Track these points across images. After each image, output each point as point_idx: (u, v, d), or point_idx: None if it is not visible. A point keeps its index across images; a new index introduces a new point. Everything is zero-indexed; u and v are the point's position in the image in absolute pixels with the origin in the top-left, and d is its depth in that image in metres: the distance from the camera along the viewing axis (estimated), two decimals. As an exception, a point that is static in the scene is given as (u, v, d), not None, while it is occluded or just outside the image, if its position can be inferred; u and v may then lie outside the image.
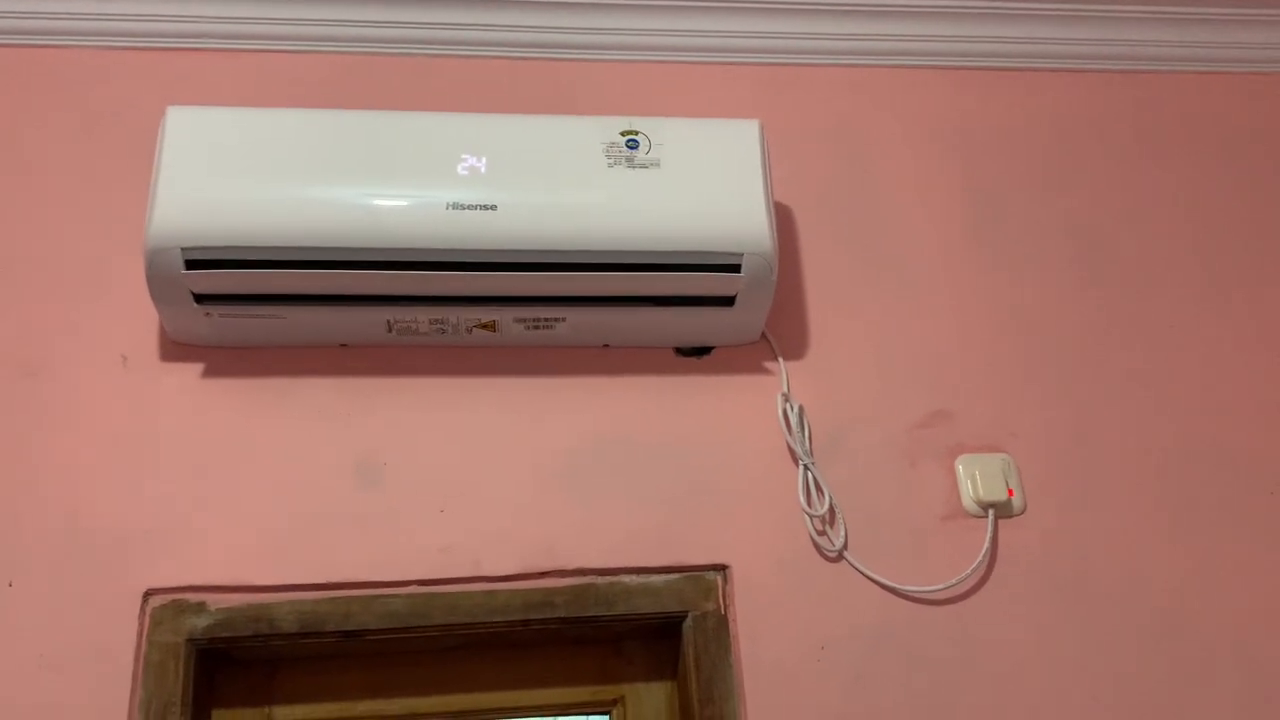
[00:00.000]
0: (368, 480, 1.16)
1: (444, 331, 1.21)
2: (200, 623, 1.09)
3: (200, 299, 1.12)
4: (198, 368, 1.19)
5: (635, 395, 1.24)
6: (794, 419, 1.22)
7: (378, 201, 1.12)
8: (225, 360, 1.20)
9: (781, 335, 1.29)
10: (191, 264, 1.09)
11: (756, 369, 1.27)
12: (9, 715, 1.04)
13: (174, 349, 1.20)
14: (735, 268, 1.16)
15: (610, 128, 1.19)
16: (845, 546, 1.19)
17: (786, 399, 1.24)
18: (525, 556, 1.14)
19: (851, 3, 1.43)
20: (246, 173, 1.11)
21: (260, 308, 1.15)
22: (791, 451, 1.22)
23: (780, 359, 1.27)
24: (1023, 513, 1.23)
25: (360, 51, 1.37)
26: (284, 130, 1.14)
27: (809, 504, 1.19)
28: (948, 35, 1.46)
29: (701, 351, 1.27)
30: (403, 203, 1.12)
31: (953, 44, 1.47)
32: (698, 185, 1.17)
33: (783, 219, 1.32)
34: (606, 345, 1.26)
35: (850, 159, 1.40)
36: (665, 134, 1.19)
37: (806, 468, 1.20)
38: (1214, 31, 1.51)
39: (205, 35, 1.35)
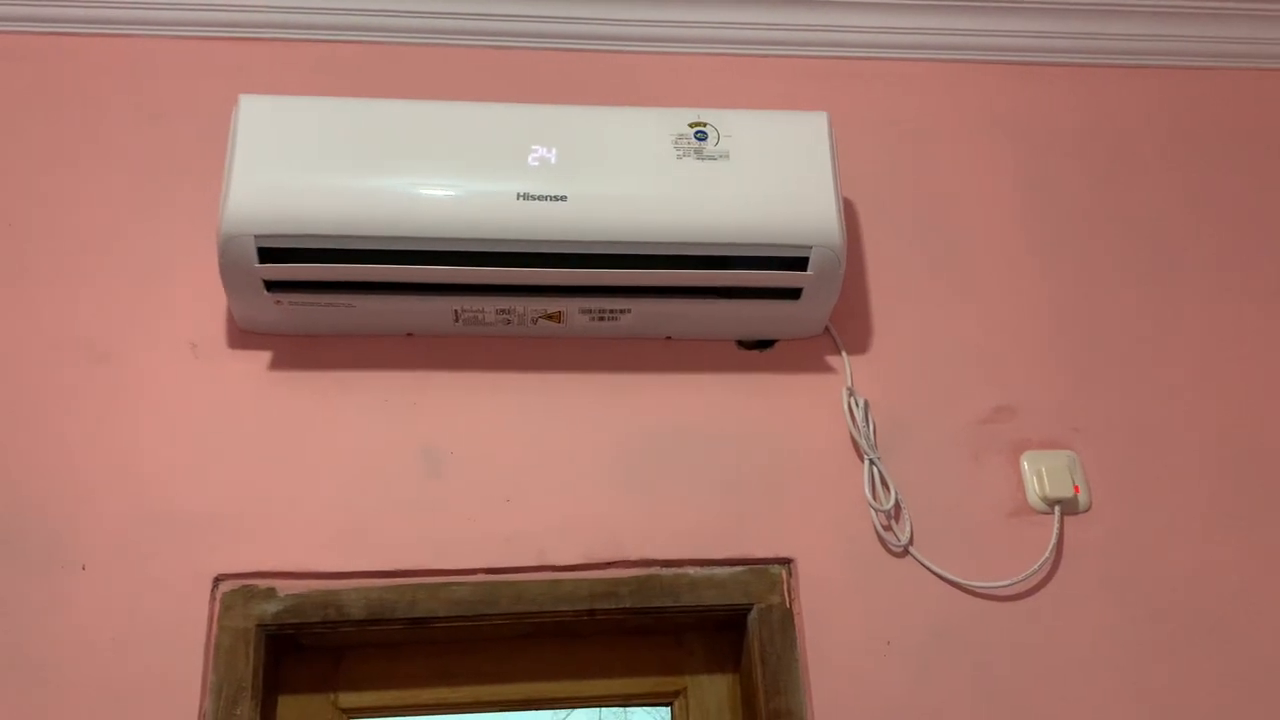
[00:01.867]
0: (434, 469, 1.18)
1: (509, 322, 1.22)
2: (270, 608, 1.11)
3: (271, 286, 1.14)
4: (265, 355, 1.21)
5: (698, 388, 1.25)
6: (859, 413, 1.23)
7: (449, 192, 1.14)
8: (292, 348, 1.22)
9: (845, 329, 1.30)
10: (264, 252, 1.11)
11: (820, 362, 1.28)
12: (81, 697, 1.06)
13: (242, 337, 1.22)
14: (803, 261, 1.17)
15: (679, 119, 1.20)
16: (911, 541, 1.20)
17: (851, 393, 1.25)
18: (590, 546, 1.16)
19: (915, -2, 1.44)
20: (320, 162, 1.13)
21: (331, 296, 1.16)
22: (856, 446, 1.23)
23: (844, 353, 1.29)
24: (1088, 510, 1.24)
25: (429, 43, 1.40)
26: (357, 120, 1.16)
27: (875, 498, 1.20)
28: (1006, 30, 1.48)
29: (764, 344, 1.28)
30: (474, 193, 1.13)
31: (1011, 39, 1.48)
32: (766, 177, 1.18)
33: (846, 212, 1.33)
34: (669, 337, 1.27)
35: (913, 153, 1.42)
36: (733, 126, 1.20)
37: (872, 462, 1.21)
38: (1276, 27, 1.51)
39: (274, 25, 1.37)
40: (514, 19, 1.40)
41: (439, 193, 1.13)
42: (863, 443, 1.21)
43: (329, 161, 1.13)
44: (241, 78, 1.33)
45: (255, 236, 1.10)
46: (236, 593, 1.11)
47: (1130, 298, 1.36)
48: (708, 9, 1.43)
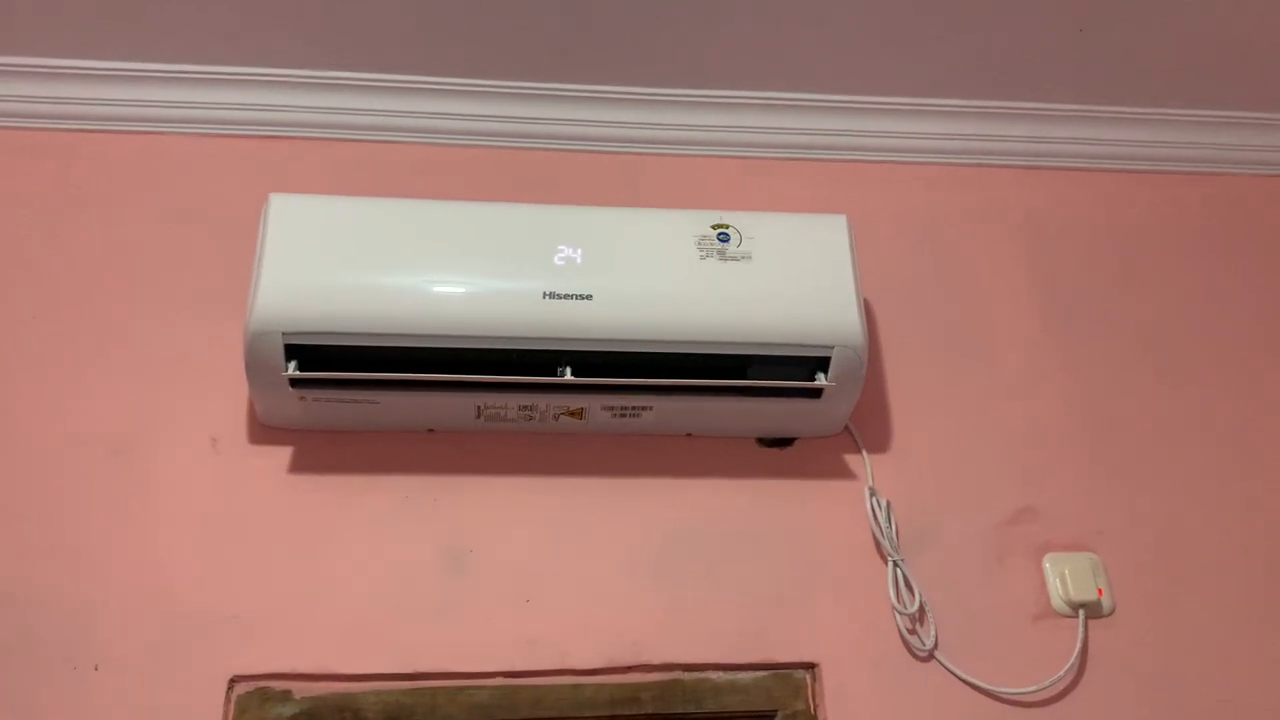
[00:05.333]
0: (453, 568, 1.19)
1: (531, 418, 1.24)
2: (286, 711, 1.11)
3: (296, 383, 1.16)
4: (286, 451, 1.23)
5: (719, 486, 1.27)
6: (882, 514, 1.25)
7: (477, 289, 1.17)
8: (314, 444, 1.24)
9: (866, 427, 1.33)
10: (291, 349, 1.13)
11: (841, 462, 1.30)
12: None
13: (263, 432, 1.24)
14: (825, 360, 1.20)
15: (702, 221, 1.24)
16: (936, 645, 1.21)
17: (873, 493, 1.27)
18: (611, 650, 1.16)
19: (932, 103, 1.50)
20: (348, 260, 1.16)
21: (355, 392, 1.18)
22: (879, 547, 1.25)
23: (865, 452, 1.31)
24: (1112, 613, 1.25)
25: (454, 144, 1.45)
26: (385, 219, 1.19)
27: (899, 602, 1.21)
28: (1024, 136, 1.53)
29: (784, 442, 1.31)
30: (501, 291, 1.16)
31: (1028, 144, 1.54)
32: (788, 278, 1.21)
33: (867, 312, 1.36)
34: (689, 434, 1.29)
35: (931, 254, 1.46)
36: (756, 228, 1.24)
37: (896, 564, 1.23)
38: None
39: (303, 124, 1.42)
40: (537, 121, 1.45)
41: (466, 290, 1.16)
42: (886, 544, 1.23)
43: (357, 260, 1.16)
44: (270, 176, 1.36)
45: (283, 334, 1.12)
46: (252, 694, 1.11)
47: (1151, 397, 1.39)
48: (729, 114, 1.48)
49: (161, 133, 1.40)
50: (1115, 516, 1.30)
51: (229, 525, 1.18)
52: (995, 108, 1.51)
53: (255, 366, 1.14)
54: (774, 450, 1.30)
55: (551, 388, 1.19)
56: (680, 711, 1.15)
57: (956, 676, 1.19)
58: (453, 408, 1.21)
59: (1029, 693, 1.19)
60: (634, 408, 1.23)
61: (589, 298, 1.16)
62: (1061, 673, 1.20)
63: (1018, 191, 1.52)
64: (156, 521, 1.17)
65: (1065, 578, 1.24)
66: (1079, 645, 1.21)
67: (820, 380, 1.19)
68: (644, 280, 1.19)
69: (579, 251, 1.19)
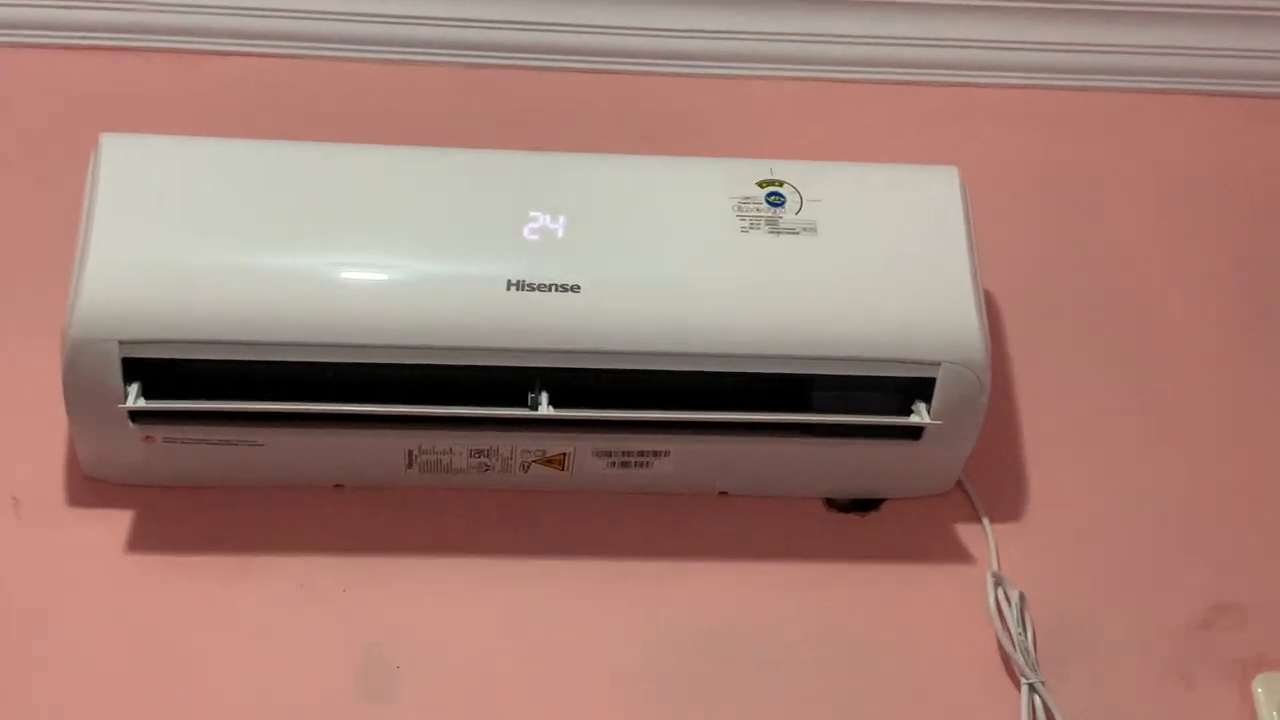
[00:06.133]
0: (374, 689, 1.15)
1: (489, 469, 1.21)
2: None
3: (138, 416, 1.12)
4: (124, 517, 1.19)
5: (767, 572, 1.23)
6: (1011, 613, 1.20)
7: (406, 277, 1.15)
8: (165, 506, 1.20)
9: (986, 483, 1.28)
10: (131, 364, 1.09)
11: (949, 535, 1.26)
12: None
13: (89, 488, 1.20)
14: (927, 384, 1.16)
15: (744, 175, 1.21)
16: (1091, 808, 1.17)
17: (999, 582, 1.22)
18: (603, 810, 1.15)
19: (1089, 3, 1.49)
20: (217, 232, 1.13)
21: (227, 429, 1.15)
22: (1007, 660, 1.20)
23: (986, 520, 1.27)
24: (1356, 762, 1.21)
25: (381, 58, 1.42)
26: (273, 171, 1.17)
27: (1038, 744, 1.18)
28: (1211, 48, 1.51)
29: (866, 506, 1.27)
30: (443, 279, 1.15)
31: (1224, 60, 1.51)
32: (870, 260, 1.19)
33: (987, 311, 1.31)
34: (723, 492, 1.27)
35: (1078, 222, 1.44)
36: (822, 185, 1.21)
37: (1031, 687, 1.17)
38: None
39: (156, 30, 1.39)
40: (497, 26, 1.42)
41: (391, 277, 1.14)
42: (1018, 657, 1.18)
43: (232, 232, 1.13)
44: (102, 106, 1.35)
45: (120, 343, 1.08)
46: None
47: None
48: (781, 13, 1.45)
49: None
50: (1359, 618, 1.27)
51: (34, 628, 1.13)
52: (1167, 4, 1.49)
53: (78, 392, 1.10)
54: (850, 517, 1.27)
55: (520, 423, 1.15)
56: None
57: None
58: (372, 452, 1.18)
59: None
60: (641, 453, 1.20)
61: (575, 289, 1.13)
62: None
63: (1203, 127, 1.50)
64: (-70, 618, 1.14)
65: (1287, 709, 1.21)
66: (1307, 810, 1.17)
67: (920, 415, 1.16)
68: (656, 263, 1.16)
69: (561, 220, 1.16)
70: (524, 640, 1.18)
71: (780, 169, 1.20)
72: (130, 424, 1.11)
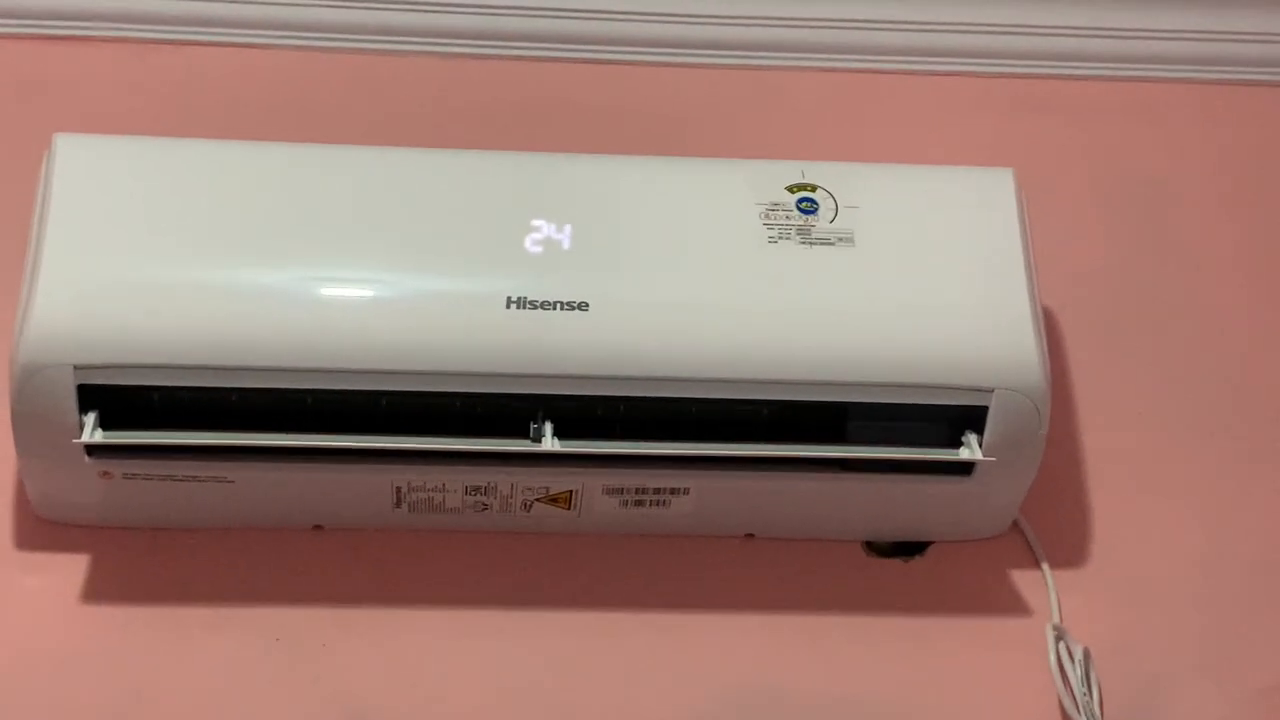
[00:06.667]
0: None
1: (488, 508, 1.18)
2: None
3: (95, 450, 1.09)
4: (79, 563, 1.16)
5: (801, 626, 1.20)
6: (1074, 672, 1.15)
7: (394, 294, 1.13)
8: (125, 551, 1.17)
9: (1045, 525, 1.24)
10: (88, 393, 1.07)
11: (1004, 583, 1.23)
12: None
13: (40, 531, 1.17)
14: (979, 414, 1.13)
15: (772, 179, 1.18)
16: None
17: (1060, 636, 1.17)
18: None
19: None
20: (184, 245, 1.11)
21: (194, 464, 1.12)
22: None
23: (1045, 566, 1.23)
24: None
25: (367, 47, 1.42)
26: (249, 175, 1.15)
27: (1108, 822, 1.11)
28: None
29: (911, 550, 1.24)
30: (434, 297, 1.13)
31: None
32: (914, 274, 1.16)
33: (1046, 330, 1.28)
34: (750, 535, 1.24)
35: (1143, 228, 1.41)
36: (860, 189, 1.19)
37: None
38: None
39: (122, 18, 1.38)
40: (496, 12, 1.41)
41: (377, 294, 1.12)
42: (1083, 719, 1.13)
43: (200, 245, 1.11)
44: (59, 104, 1.35)
45: (75, 368, 1.06)
46: None
47: None
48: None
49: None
50: None
51: (-18, 688, 1.09)
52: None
53: (27, 423, 1.08)
54: (893, 562, 1.24)
55: (521, 458, 1.13)
56: None
57: None
58: (356, 490, 1.16)
59: None
60: (657, 491, 1.17)
61: (582, 307, 1.11)
62: None
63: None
64: None
65: (1392, 784, 1.14)
66: None
67: (971, 448, 1.13)
68: (673, 278, 1.14)
69: (566, 229, 1.14)
70: (524, 701, 1.15)
71: (813, 171, 1.18)
72: (86, 458, 1.09)
